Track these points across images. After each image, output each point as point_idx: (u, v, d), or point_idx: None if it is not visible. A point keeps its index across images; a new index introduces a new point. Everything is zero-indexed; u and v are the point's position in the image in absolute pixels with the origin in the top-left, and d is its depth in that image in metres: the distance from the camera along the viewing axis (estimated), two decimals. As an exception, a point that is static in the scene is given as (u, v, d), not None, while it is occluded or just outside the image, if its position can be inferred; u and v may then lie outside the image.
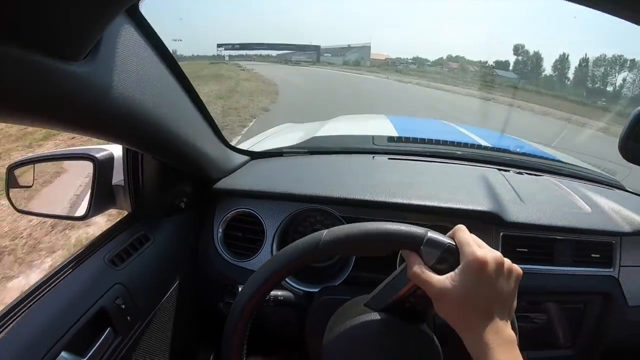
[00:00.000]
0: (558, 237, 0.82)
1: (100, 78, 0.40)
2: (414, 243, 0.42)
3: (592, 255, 0.83)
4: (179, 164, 0.72)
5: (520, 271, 0.42)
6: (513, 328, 0.41)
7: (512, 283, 0.41)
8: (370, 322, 0.47)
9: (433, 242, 0.42)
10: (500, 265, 0.40)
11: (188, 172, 0.78)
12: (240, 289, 0.48)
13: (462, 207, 0.78)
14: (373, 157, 1.06)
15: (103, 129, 0.48)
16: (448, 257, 0.41)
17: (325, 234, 0.44)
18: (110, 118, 0.45)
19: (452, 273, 0.40)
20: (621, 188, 1.12)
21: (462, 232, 0.42)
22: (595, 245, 0.84)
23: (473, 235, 0.43)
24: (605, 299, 0.83)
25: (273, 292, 0.64)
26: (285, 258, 0.46)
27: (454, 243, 0.42)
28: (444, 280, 0.39)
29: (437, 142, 1.21)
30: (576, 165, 1.28)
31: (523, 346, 0.45)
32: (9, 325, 0.50)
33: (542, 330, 0.84)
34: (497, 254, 0.40)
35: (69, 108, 0.39)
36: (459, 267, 0.40)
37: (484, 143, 1.58)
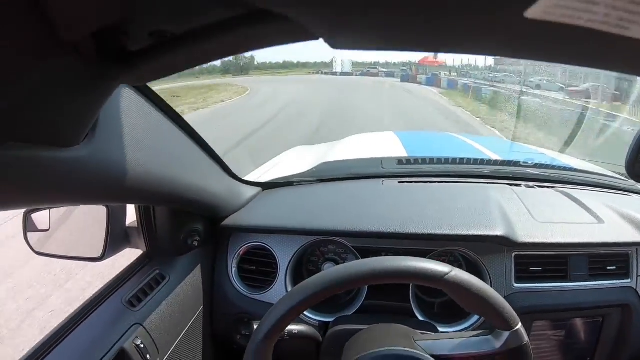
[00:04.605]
0: (572, 253, 0.81)
1: (102, 155, 0.40)
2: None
3: (608, 267, 0.82)
4: (190, 209, 0.75)
5: None
6: None
7: None
8: None
9: None
10: None
11: (199, 213, 0.80)
12: (255, 325, 0.50)
13: (473, 233, 0.79)
14: (382, 182, 1.06)
15: (110, 198, 0.50)
16: None
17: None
18: (114, 187, 0.45)
19: None
20: (639, 192, 1.10)
21: None
22: (610, 257, 0.83)
23: None
24: (623, 311, 0.82)
25: (288, 327, 0.66)
26: (299, 294, 0.48)
27: None
28: None
29: (446, 160, 1.21)
30: (590, 173, 1.26)
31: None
32: None
33: (561, 346, 0.83)
34: None
35: (71, 190, 0.39)
36: None
37: (493, 156, 1.58)
